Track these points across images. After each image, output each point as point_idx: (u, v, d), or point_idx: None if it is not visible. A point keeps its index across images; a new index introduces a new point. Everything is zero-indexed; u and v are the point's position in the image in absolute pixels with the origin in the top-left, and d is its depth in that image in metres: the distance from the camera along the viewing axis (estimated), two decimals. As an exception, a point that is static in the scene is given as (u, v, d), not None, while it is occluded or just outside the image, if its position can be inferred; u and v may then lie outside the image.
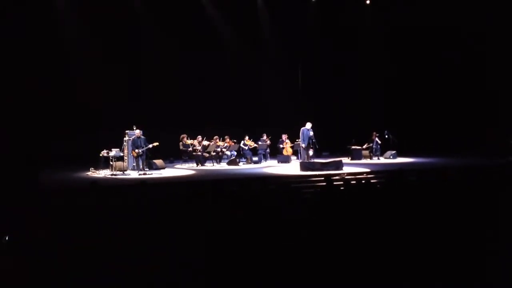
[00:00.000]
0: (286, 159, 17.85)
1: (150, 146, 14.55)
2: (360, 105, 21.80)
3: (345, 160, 17.05)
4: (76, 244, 5.06)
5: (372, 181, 11.97)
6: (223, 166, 16.86)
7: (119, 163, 14.58)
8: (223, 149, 17.45)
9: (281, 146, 18.57)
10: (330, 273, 4.50)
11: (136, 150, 14.45)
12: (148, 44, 18.72)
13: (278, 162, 17.75)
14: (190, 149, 16.87)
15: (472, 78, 19.41)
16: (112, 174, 13.95)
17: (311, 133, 15.63)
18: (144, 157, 14.64)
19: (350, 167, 15.36)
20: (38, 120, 12.82)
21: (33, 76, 12.05)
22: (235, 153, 17.59)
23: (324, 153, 19.56)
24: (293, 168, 15.46)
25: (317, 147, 16.21)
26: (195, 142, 16.97)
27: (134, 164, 14.91)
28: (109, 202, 7.40)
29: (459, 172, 12.85)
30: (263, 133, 18.59)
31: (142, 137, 14.67)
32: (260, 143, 18.25)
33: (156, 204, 6.97)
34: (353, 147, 18.87)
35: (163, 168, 15.46)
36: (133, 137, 14.75)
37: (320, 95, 21.75)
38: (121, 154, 14.87)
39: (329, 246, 5.05)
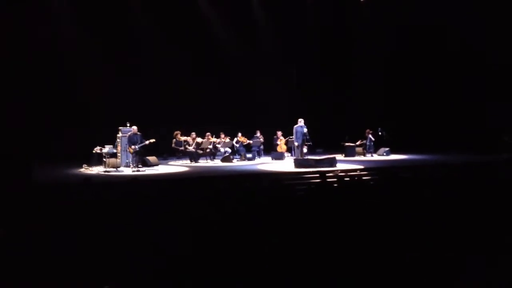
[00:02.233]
0: (280, 156, 17.85)
1: (147, 142, 14.45)
2: (354, 102, 21.85)
3: (339, 157, 17.06)
4: (69, 240, 5.05)
5: (365, 178, 12.03)
6: (217, 162, 16.84)
7: (112, 160, 14.51)
8: (217, 145, 17.42)
9: (276, 143, 18.56)
10: (323, 270, 4.50)
11: (133, 147, 14.34)
12: (142, 41, 18.65)
13: (272, 159, 17.75)
14: (184, 144, 16.84)
15: (467, 75, 19.47)
16: (105, 171, 13.90)
17: (305, 129, 15.61)
18: (140, 153, 14.58)
19: (343, 164, 15.39)
20: (31, 117, 12.74)
21: (27, 73, 11.96)
22: (229, 150, 17.57)
23: (318, 150, 19.57)
24: (287, 164, 15.47)
25: (311, 143, 16.20)
26: (189, 138, 16.94)
27: (128, 160, 14.84)
28: (102, 198, 7.38)
29: (452, 169, 12.93)
30: (257, 130, 18.57)
31: (138, 133, 14.59)
32: (253, 140, 18.23)
33: (149, 200, 6.96)
34: (346, 144, 18.90)
35: (157, 164, 15.40)
36: (130, 133, 14.65)
37: (315, 92, 21.77)
38: (114, 150, 14.80)
39: (322, 243, 5.05)
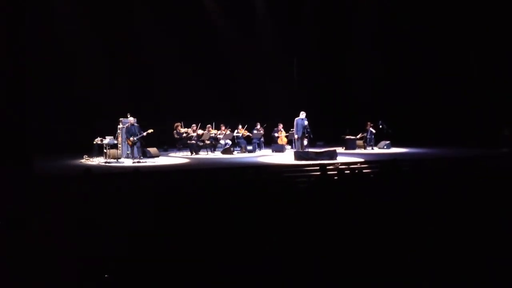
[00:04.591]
0: (280, 148, 17.85)
1: (144, 134, 14.41)
2: (355, 95, 21.82)
3: (339, 149, 17.06)
4: (70, 231, 5.06)
5: (365, 171, 12.03)
6: (217, 155, 16.85)
7: (113, 151, 14.51)
8: (219, 136, 17.40)
9: (276, 135, 18.55)
10: (322, 263, 4.51)
11: (131, 138, 14.29)
12: (143, 33, 18.64)
13: (273, 151, 17.76)
14: (185, 136, 16.84)
15: (466, 69, 19.42)
16: (106, 162, 13.91)
17: (306, 122, 15.61)
18: (139, 144, 14.54)
19: (344, 156, 15.39)
20: (32, 108, 12.74)
21: (28, 64, 11.94)
22: (230, 142, 17.56)
23: (318, 143, 19.57)
24: (287, 157, 15.48)
25: (311, 136, 16.20)
26: (190, 130, 16.92)
27: (128, 152, 14.82)
28: (103, 190, 7.39)
29: (452, 162, 12.92)
30: (257, 122, 18.55)
31: (136, 124, 14.52)
32: (254, 132, 18.21)
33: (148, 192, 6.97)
34: (347, 137, 18.88)
35: (157, 156, 15.41)
36: (127, 124, 14.59)
37: (315, 85, 21.75)
38: (115, 142, 14.79)
39: (322, 235, 5.06)
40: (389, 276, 4.32)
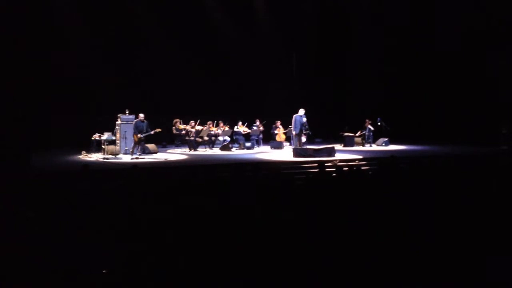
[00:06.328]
0: (279, 145, 17.85)
1: (152, 132, 14.32)
2: (353, 92, 21.82)
3: (338, 146, 17.08)
4: (67, 227, 5.05)
5: (364, 168, 12.02)
6: (215, 151, 16.83)
7: (111, 147, 14.50)
8: (217, 133, 17.38)
9: (274, 132, 18.55)
10: (321, 262, 4.50)
11: (139, 135, 14.19)
12: (142, 29, 18.62)
13: (271, 148, 17.75)
14: (184, 132, 16.82)
15: (466, 67, 19.41)
16: (104, 158, 13.89)
17: (304, 119, 15.61)
18: (143, 143, 14.46)
19: (342, 153, 15.40)
20: (31, 103, 12.71)
21: (25, 59, 11.90)
22: (228, 138, 17.55)
23: (317, 140, 19.58)
24: (285, 154, 15.48)
25: (310, 133, 16.19)
26: (188, 127, 16.90)
27: (127, 148, 14.78)
28: (101, 186, 7.38)
29: (451, 160, 12.92)
30: (256, 119, 18.55)
31: (145, 121, 14.41)
32: (253, 128, 18.21)
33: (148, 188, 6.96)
34: (345, 134, 18.89)
35: (156, 152, 15.40)
36: (136, 120, 14.42)
37: (314, 82, 21.73)
38: (113, 137, 14.77)
39: (320, 232, 5.06)
40: (389, 275, 4.32)
